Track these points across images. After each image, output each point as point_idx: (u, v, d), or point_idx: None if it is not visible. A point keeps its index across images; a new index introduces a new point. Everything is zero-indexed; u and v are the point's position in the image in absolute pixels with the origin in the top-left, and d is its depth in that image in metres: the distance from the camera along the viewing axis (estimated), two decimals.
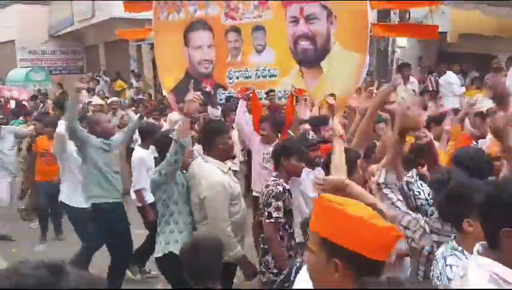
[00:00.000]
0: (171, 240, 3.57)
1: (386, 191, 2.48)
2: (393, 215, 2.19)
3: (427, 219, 2.53)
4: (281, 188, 3.45)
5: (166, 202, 3.58)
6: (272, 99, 8.18)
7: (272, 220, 3.39)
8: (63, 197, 5.46)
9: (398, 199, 2.54)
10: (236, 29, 9.06)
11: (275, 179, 3.58)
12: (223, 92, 9.32)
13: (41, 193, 6.85)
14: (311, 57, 8.15)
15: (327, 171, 2.86)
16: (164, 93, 10.57)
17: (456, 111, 5.91)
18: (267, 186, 3.55)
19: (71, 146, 5.22)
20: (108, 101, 11.14)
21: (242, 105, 6.06)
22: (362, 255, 1.41)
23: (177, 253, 3.03)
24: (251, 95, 6.51)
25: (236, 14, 9.03)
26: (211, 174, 3.55)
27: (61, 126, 4.95)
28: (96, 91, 14.00)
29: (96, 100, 11.93)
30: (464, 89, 9.52)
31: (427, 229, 2.49)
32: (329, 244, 1.44)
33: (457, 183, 2.16)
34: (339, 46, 7.86)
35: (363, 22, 7.52)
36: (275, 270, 3.40)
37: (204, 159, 3.62)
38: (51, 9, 18.99)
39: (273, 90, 8.25)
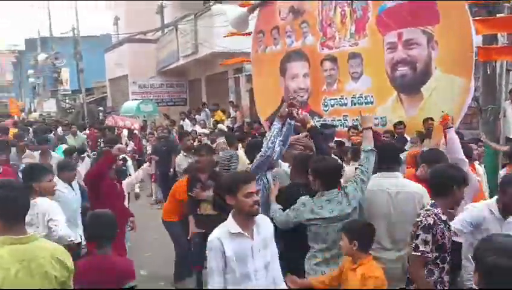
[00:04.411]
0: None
1: None
2: None
3: None
4: (431, 221, 3.08)
5: None
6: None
7: (418, 253, 3.08)
8: None
9: None
10: (332, 58, 9.12)
11: (428, 208, 3.20)
12: (318, 119, 9.35)
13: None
14: (411, 83, 7.91)
15: None
16: (261, 120, 10.87)
17: None
18: (418, 215, 3.23)
19: None
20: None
21: None
22: None
23: None
24: None
25: (332, 43, 9.11)
26: None
27: None
28: (197, 121, 14.79)
29: (199, 129, 12.60)
30: None
31: None
32: None
33: None
34: (440, 71, 7.56)
35: (468, 45, 7.17)
36: None
37: None
38: (159, 47, 20.59)
39: None
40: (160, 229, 6.28)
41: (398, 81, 8.07)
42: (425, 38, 7.65)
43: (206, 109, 16.68)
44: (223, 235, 2.91)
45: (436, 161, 3.85)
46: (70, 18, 32.82)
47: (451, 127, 4.55)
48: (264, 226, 3.06)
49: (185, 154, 7.62)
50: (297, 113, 4.33)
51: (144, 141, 12.99)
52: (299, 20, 9.80)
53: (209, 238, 2.92)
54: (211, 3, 15.99)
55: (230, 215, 3.00)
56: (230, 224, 2.96)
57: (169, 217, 5.80)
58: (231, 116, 14.97)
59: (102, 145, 10.29)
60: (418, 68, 7.80)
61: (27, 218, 3.46)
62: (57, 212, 3.76)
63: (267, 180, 4.24)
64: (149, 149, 10.82)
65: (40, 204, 3.66)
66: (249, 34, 11.10)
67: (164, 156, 9.01)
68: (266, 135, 4.29)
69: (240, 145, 8.96)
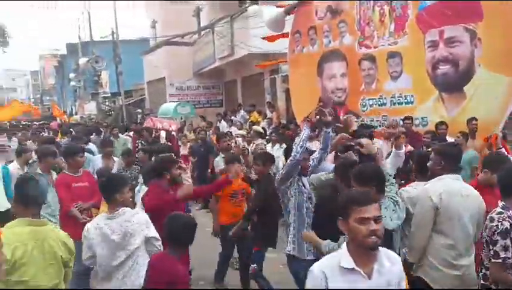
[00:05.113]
0: None
1: None
2: None
3: None
4: (507, 224, 2.96)
5: None
6: (408, 127, 7.87)
7: (499, 260, 2.99)
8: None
9: None
10: (371, 57, 9.00)
11: (501, 211, 3.07)
12: (356, 120, 9.22)
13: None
14: (453, 82, 7.72)
15: None
16: (298, 122, 10.82)
17: None
18: (491, 219, 3.07)
19: None
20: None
21: None
22: None
23: None
24: None
25: (371, 42, 8.98)
26: None
27: None
28: (234, 122, 14.86)
29: (235, 131, 12.67)
30: None
31: None
32: None
33: None
34: (484, 69, 7.34)
35: None
36: None
37: None
38: (195, 49, 20.85)
39: (410, 118, 7.94)
40: (198, 229, 6.31)
41: (439, 80, 7.89)
42: (468, 36, 7.45)
43: (242, 110, 16.75)
44: (331, 269, 2.31)
45: (501, 164, 3.70)
46: (110, 22, 33.69)
47: (501, 148, 4.39)
48: (390, 266, 2.36)
49: (222, 155, 7.68)
50: (333, 116, 4.32)
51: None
52: (337, 20, 9.72)
53: (311, 268, 2.41)
54: (246, 5, 16.05)
55: (344, 245, 2.40)
56: (343, 256, 2.33)
57: (221, 219, 5.79)
58: (267, 117, 14.97)
59: (140, 146, 10.49)
60: (461, 66, 7.60)
61: (127, 227, 3.56)
62: (154, 229, 3.72)
63: (303, 185, 4.23)
64: (182, 150, 10.94)
65: (131, 214, 3.65)
66: (286, 35, 11.09)
67: (202, 157, 9.12)
68: (296, 139, 4.28)
69: (277, 145, 8.98)
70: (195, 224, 3.44)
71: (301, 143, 4.05)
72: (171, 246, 3.32)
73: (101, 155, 7.66)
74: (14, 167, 6.67)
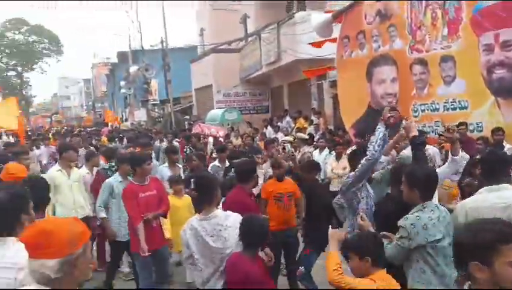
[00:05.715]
0: None
1: None
2: None
3: None
4: None
5: None
6: (463, 133, 7.63)
7: None
8: None
9: None
10: (423, 61, 8.80)
11: None
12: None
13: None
14: (509, 86, 7.43)
15: None
16: (346, 128, 10.73)
17: None
18: None
19: None
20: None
21: None
22: None
23: None
24: None
25: (422, 46, 8.79)
26: None
27: None
28: (280, 128, 14.90)
29: (281, 137, 12.70)
30: None
31: None
32: None
33: None
34: None
35: None
36: None
37: None
38: (242, 56, 21.10)
39: (464, 123, 7.71)
40: None
41: (495, 84, 7.61)
42: None
43: (287, 117, 16.77)
44: None
45: None
46: (159, 31, 34.62)
47: None
48: None
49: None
50: (394, 119, 4.33)
51: None
52: (387, 24, 9.58)
53: None
54: (294, 11, 16.11)
55: None
56: None
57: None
58: (314, 123, 14.92)
59: (189, 151, 10.71)
60: None
61: (221, 232, 3.59)
62: None
63: (367, 189, 4.24)
64: None
65: (224, 217, 3.67)
66: (333, 40, 11.05)
67: None
68: (371, 139, 4.28)
69: (326, 150, 8.93)
70: (269, 225, 3.52)
71: (378, 142, 4.07)
72: (245, 246, 3.40)
73: (167, 164, 7.56)
74: (83, 172, 6.73)
